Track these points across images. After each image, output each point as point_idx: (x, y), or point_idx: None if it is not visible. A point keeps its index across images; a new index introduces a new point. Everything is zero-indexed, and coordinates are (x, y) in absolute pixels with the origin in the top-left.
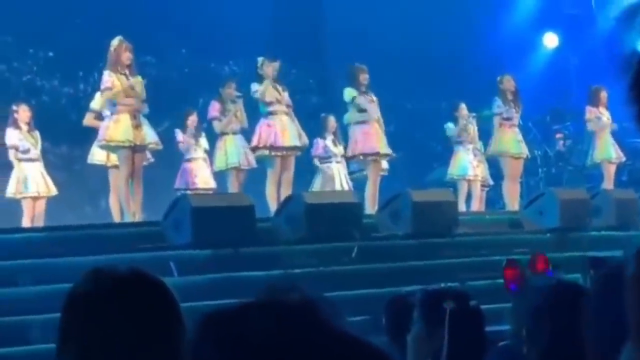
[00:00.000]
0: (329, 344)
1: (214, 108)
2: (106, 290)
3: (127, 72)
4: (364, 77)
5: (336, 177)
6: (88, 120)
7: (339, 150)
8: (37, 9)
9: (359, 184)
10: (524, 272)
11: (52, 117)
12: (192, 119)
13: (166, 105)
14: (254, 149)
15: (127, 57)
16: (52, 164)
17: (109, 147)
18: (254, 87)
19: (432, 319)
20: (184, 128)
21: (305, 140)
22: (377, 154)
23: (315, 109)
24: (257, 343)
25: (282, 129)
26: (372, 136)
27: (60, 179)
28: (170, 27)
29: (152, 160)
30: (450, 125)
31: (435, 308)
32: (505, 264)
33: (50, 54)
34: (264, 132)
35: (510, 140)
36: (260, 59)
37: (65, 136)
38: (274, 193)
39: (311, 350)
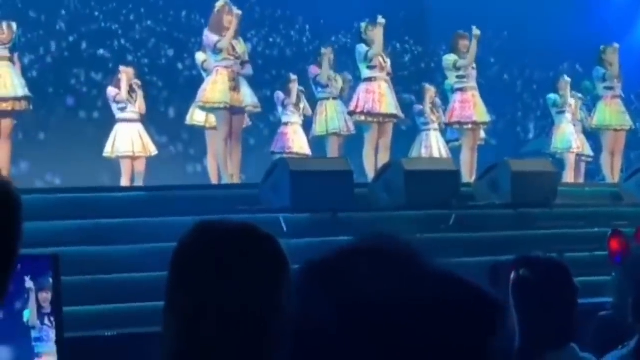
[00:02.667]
0: (437, 285)
1: (314, 70)
2: (217, 242)
3: (226, 34)
4: (464, 45)
5: (434, 145)
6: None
7: (437, 118)
8: None
9: (456, 153)
10: (629, 243)
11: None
12: (294, 85)
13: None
14: (352, 114)
15: (228, 20)
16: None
17: (205, 109)
18: (362, 48)
19: (498, 292)
20: (285, 92)
21: (400, 112)
22: (474, 122)
23: (416, 78)
24: (366, 289)
25: (381, 95)
26: (469, 104)
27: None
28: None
29: (249, 124)
30: (553, 96)
31: (500, 280)
32: (610, 235)
33: (165, 28)
34: (362, 97)
35: (613, 112)
36: (363, 24)
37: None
38: (372, 158)
39: (420, 293)
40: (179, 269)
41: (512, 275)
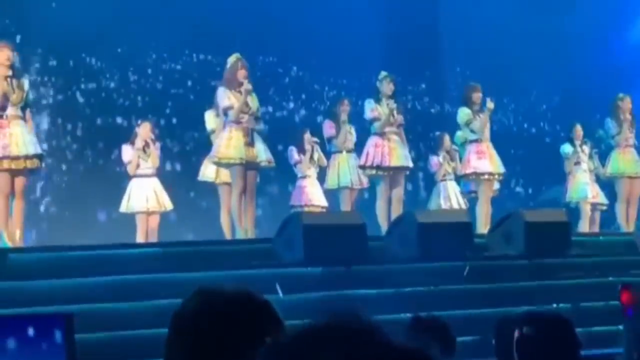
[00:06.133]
0: None
1: (330, 126)
2: (213, 310)
3: (241, 89)
4: (478, 96)
5: (452, 195)
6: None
7: (452, 168)
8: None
9: (471, 203)
10: (637, 296)
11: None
12: (307, 137)
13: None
14: (363, 168)
15: (242, 74)
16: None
17: (220, 164)
18: (371, 111)
19: (502, 347)
20: (300, 146)
21: (411, 162)
22: (490, 173)
23: (430, 126)
24: None
25: (390, 149)
26: (485, 154)
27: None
28: (283, 48)
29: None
30: (567, 147)
31: (505, 335)
32: (621, 288)
33: (179, 67)
34: (371, 152)
35: (627, 161)
36: (383, 74)
37: None
38: (384, 211)
39: None
40: (176, 334)
41: (516, 333)
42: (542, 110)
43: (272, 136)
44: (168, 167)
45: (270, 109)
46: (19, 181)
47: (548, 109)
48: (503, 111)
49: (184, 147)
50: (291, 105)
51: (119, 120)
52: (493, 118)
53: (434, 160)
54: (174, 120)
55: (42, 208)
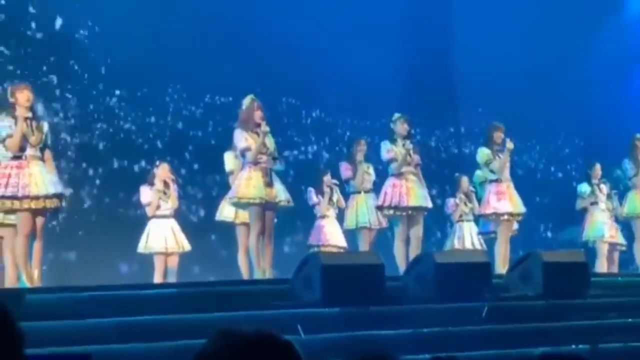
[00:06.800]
0: None
1: (346, 168)
2: (234, 352)
3: (258, 130)
4: (499, 136)
5: (467, 236)
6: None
7: (469, 209)
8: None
9: (490, 243)
10: None
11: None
12: (327, 179)
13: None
14: (380, 208)
15: (259, 115)
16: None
17: (239, 204)
18: (387, 152)
19: None
20: (319, 188)
21: (430, 202)
22: (510, 214)
23: (455, 168)
24: None
25: (408, 189)
26: (505, 195)
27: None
28: (306, 90)
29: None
30: (584, 186)
31: None
32: None
33: (200, 109)
34: (389, 192)
35: None
36: (396, 115)
37: None
38: (402, 251)
39: None
40: None
41: None
42: (566, 154)
43: (295, 179)
44: (193, 214)
45: (295, 152)
46: (39, 221)
47: (573, 153)
48: (529, 154)
49: (209, 192)
50: (314, 147)
51: (139, 162)
52: (518, 161)
53: (451, 202)
54: (196, 166)
55: (59, 252)
